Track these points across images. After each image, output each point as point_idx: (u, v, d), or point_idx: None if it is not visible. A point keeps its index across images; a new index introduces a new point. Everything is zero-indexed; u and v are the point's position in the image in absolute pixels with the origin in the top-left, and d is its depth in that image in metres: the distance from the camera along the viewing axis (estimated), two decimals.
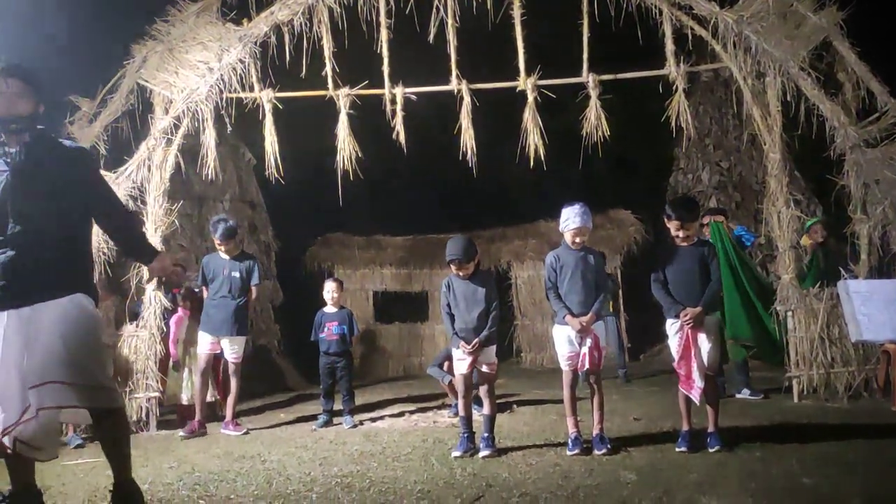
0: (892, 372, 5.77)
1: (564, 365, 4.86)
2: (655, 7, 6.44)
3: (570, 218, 4.81)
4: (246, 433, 6.01)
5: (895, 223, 6.15)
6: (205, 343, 6.21)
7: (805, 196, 9.93)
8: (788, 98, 6.31)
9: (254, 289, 6.38)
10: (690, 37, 6.53)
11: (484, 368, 4.91)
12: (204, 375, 6.23)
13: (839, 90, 6.45)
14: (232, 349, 6.19)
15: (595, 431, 4.74)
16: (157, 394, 6.34)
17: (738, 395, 6.60)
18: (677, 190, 11.46)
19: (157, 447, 5.54)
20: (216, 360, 6.45)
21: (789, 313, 6.28)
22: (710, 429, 4.62)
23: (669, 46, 6.51)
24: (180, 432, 5.96)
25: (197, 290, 6.67)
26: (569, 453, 4.64)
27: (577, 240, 4.83)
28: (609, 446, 4.64)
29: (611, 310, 8.59)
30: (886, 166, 6.08)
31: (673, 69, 6.52)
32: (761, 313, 6.41)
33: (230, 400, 6.23)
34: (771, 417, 5.60)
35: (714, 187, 11.16)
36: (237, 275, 6.20)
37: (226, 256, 6.28)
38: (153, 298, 6.40)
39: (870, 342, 5.83)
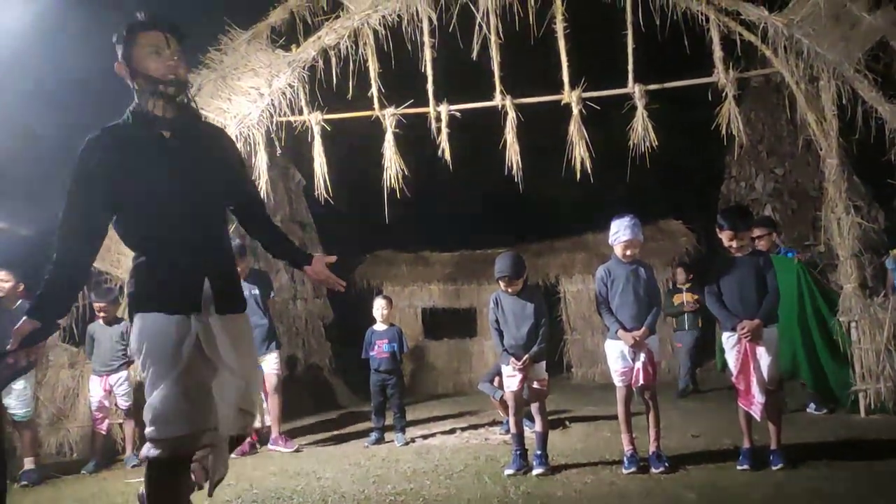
0: None
1: (618, 381, 4.77)
2: (702, 14, 6.35)
3: (620, 230, 4.74)
4: (297, 450, 6.08)
5: None
6: None
7: (865, 202, 9.56)
8: (844, 101, 6.11)
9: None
10: (739, 42, 6.39)
11: (535, 385, 4.86)
12: None
13: None
14: (269, 366, 6.23)
15: (651, 449, 4.63)
16: None
17: None
18: (730, 199, 11.17)
19: None
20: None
21: (853, 324, 6.04)
22: (773, 446, 4.46)
23: (718, 53, 6.39)
24: (232, 454, 6.03)
25: None
26: (625, 472, 4.54)
27: (628, 252, 4.76)
28: (667, 464, 4.52)
29: (691, 325, 8.68)
30: None
31: (722, 76, 6.39)
32: (822, 357, 6.22)
33: (274, 416, 6.24)
34: (837, 433, 5.38)
35: (769, 195, 10.83)
36: (256, 293, 6.23)
37: None
38: None
39: None
